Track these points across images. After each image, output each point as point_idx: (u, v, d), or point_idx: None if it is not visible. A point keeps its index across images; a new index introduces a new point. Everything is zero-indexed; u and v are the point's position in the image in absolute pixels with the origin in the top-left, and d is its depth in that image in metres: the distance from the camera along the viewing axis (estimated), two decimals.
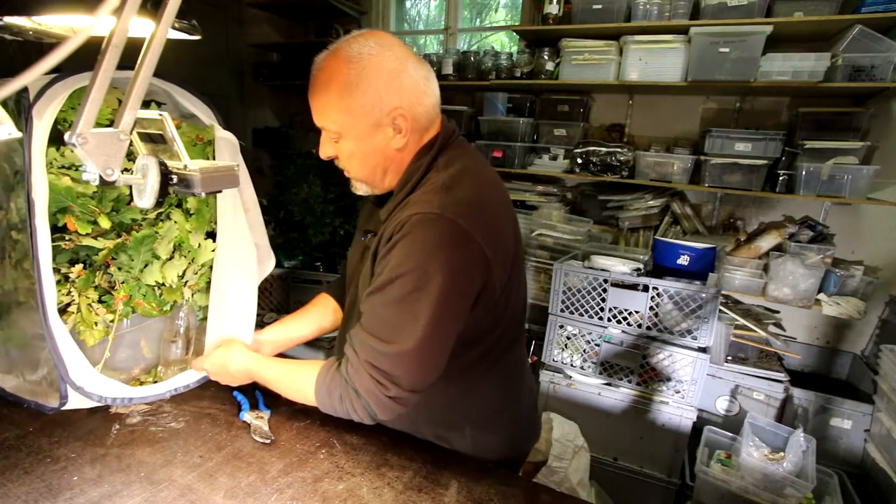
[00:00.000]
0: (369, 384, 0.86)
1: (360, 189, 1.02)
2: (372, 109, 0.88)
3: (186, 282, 1.13)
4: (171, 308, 1.12)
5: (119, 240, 1.02)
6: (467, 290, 0.89)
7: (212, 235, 1.13)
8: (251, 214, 1.17)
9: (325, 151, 0.96)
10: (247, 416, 1.05)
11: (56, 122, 0.88)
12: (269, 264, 1.24)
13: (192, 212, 1.12)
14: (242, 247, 1.13)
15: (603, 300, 2.16)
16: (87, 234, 0.97)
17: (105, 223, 0.99)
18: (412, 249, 0.85)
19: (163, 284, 1.09)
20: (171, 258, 1.10)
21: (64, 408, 0.96)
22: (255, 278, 1.16)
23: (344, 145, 0.93)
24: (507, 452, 1.13)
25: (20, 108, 0.84)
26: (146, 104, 1.07)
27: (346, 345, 0.92)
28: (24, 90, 0.84)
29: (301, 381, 0.96)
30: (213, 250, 1.11)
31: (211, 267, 1.14)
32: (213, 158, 1.10)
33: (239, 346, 1.07)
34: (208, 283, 1.15)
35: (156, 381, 1.11)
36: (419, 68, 0.91)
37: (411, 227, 0.85)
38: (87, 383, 0.94)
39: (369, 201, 1.11)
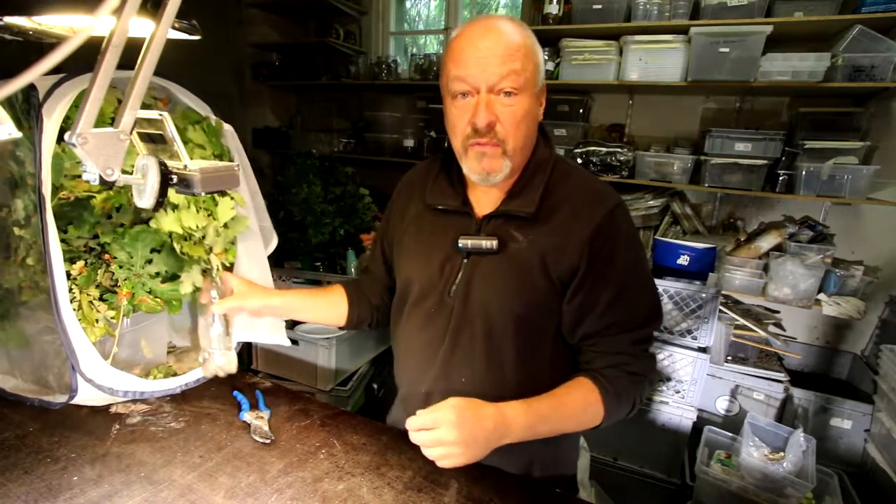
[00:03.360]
0: (651, 363, 0.98)
1: (500, 171, 0.90)
2: (540, 71, 0.90)
3: (211, 248, 1.05)
4: (179, 304, 1.09)
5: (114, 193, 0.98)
6: None
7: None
8: (255, 200, 1.19)
9: (490, 113, 0.85)
10: (247, 416, 1.05)
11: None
12: (272, 243, 1.28)
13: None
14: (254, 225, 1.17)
15: None
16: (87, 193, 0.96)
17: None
18: (626, 242, 0.93)
19: (186, 238, 1.01)
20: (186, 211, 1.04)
21: (73, 401, 0.96)
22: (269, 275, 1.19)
23: (517, 104, 0.86)
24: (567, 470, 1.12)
25: (30, 107, 0.85)
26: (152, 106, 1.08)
27: (605, 356, 0.94)
28: (34, 90, 0.84)
29: (584, 405, 0.91)
30: (233, 208, 1.05)
31: (233, 242, 1.09)
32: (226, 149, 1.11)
33: (473, 401, 0.84)
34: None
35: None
36: None
37: (620, 217, 0.93)
38: (98, 376, 0.94)
39: (444, 209, 1.01)
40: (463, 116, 0.88)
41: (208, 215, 1.04)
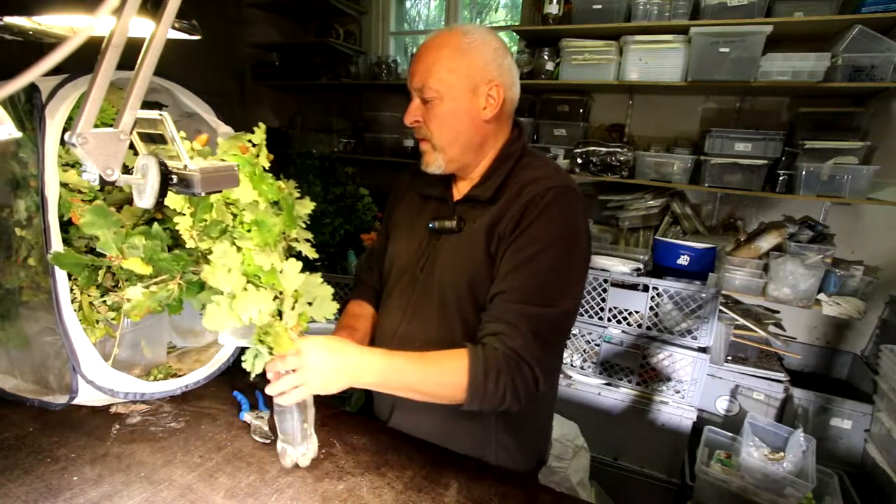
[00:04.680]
0: (537, 352, 0.90)
1: (433, 163, 1.02)
2: (475, 73, 0.97)
3: (288, 325, 0.84)
4: (179, 305, 0.95)
5: (166, 284, 0.85)
6: (588, 257, 1.02)
7: (296, 255, 0.87)
8: None
9: (412, 115, 1.00)
10: (247, 416, 1.05)
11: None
12: None
13: (248, 226, 0.83)
14: None
15: (603, 300, 2.16)
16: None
17: (143, 268, 0.82)
18: (559, 219, 0.94)
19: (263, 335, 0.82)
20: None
21: (73, 402, 0.96)
22: None
23: (438, 108, 0.98)
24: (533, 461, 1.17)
25: (33, 108, 0.85)
26: (152, 106, 1.07)
27: (491, 323, 0.92)
28: (37, 91, 0.84)
29: (446, 367, 0.89)
30: (302, 271, 0.83)
31: (310, 303, 0.86)
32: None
33: (340, 338, 0.89)
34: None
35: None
36: (514, 63, 1.03)
37: (555, 197, 0.94)
38: (99, 377, 0.94)
39: (430, 196, 1.12)
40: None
41: (277, 294, 0.83)
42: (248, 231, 0.82)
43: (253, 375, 0.85)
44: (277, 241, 0.85)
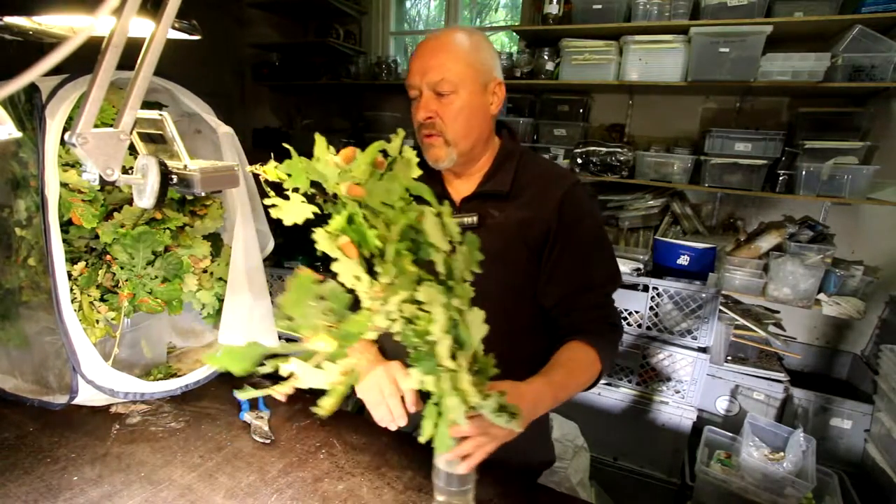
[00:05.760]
0: (618, 314, 1.08)
1: (446, 157, 1.02)
2: (487, 69, 1.01)
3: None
4: (179, 305, 1.07)
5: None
6: None
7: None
8: (254, 202, 1.18)
9: (427, 110, 0.99)
10: (247, 416, 1.05)
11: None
12: (269, 247, 1.27)
13: (446, 279, 0.66)
14: (252, 246, 1.12)
15: None
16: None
17: (331, 343, 0.63)
18: (588, 210, 1.07)
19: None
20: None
21: (74, 402, 0.96)
22: (263, 276, 1.16)
23: (454, 101, 0.99)
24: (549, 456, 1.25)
25: (33, 108, 0.85)
26: (152, 106, 1.07)
27: (586, 312, 1.02)
28: (37, 91, 0.84)
29: (584, 364, 0.96)
30: (485, 320, 0.68)
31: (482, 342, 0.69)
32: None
33: (516, 383, 0.81)
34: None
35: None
36: None
37: (582, 191, 1.07)
38: (99, 377, 0.94)
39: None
40: (416, 114, 1.03)
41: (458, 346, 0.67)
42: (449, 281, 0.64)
43: (447, 461, 0.70)
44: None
